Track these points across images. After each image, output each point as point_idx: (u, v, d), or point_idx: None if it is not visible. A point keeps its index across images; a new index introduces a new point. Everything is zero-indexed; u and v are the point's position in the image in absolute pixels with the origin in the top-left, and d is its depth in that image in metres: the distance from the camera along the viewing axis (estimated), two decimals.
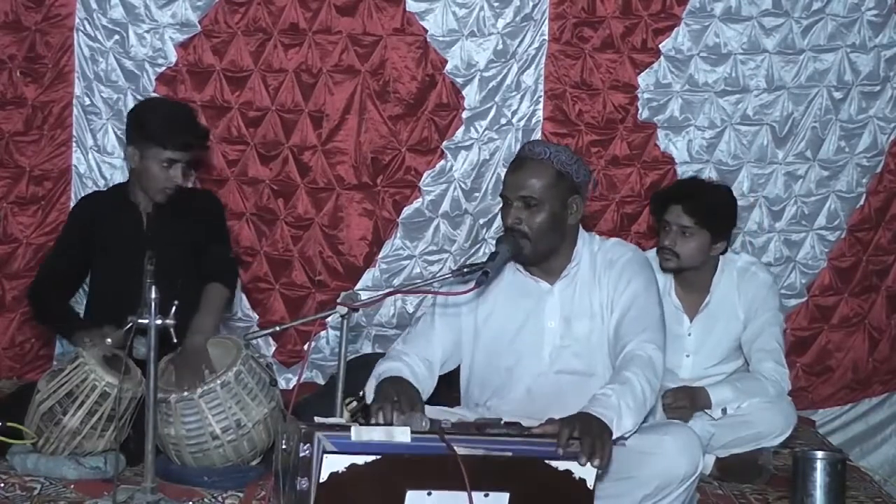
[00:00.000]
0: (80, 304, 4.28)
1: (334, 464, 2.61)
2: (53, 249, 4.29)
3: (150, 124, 3.98)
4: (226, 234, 4.30)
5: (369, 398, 3.17)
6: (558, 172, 3.27)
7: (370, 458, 2.62)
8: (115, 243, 4.06)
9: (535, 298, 3.37)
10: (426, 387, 3.32)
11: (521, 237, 3.26)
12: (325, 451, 2.61)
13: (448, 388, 3.51)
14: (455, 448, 2.66)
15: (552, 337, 3.34)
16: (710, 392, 3.99)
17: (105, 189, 4.50)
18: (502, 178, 3.45)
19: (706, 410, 3.98)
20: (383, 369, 3.26)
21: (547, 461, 2.72)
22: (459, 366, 3.46)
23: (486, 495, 2.68)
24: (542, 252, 3.30)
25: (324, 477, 2.60)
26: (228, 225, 4.39)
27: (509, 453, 2.74)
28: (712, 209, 4.09)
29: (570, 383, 3.32)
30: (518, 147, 4.64)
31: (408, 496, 2.66)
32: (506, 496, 2.69)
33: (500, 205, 3.35)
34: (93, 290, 4.21)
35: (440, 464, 2.65)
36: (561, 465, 2.72)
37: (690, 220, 4.04)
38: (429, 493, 2.67)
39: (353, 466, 2.61)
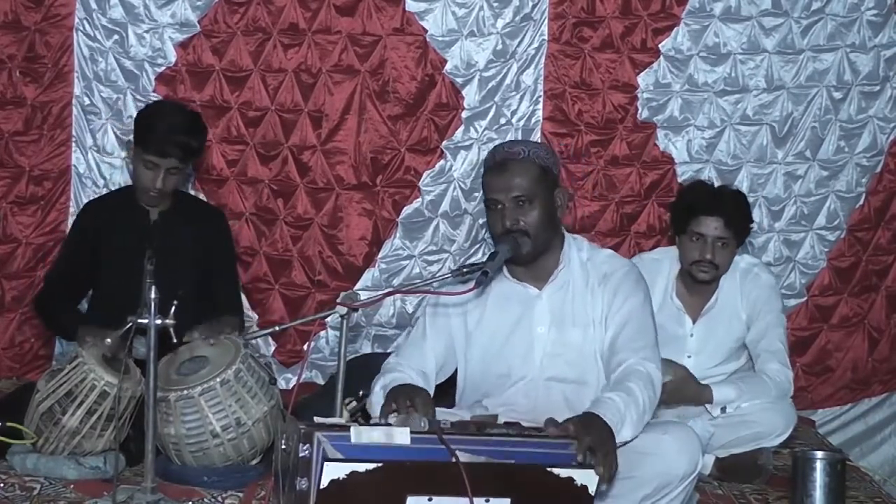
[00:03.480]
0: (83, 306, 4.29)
1: (335, 471, 2.60)
2: (59, 259, 4.30)
3: (139, 123, 4.07)
4: (234, 263, 4.39)
5: (376, 411, 3.16)
6: (541, 167, 3.29)
7: (371, 466, 2.62)
8: (119, 248, 4.07)
9: (523, 304, 3.36)
10: None
11: (522, 235, 3.25)
12: (325, 459, 2.60)
13: (450, 391, 3.52)
14: (457, 454, 2.66)
15: (543, 343, 3.34)
16: (714, 390, 3.99)
17: (109, 193, 4.49)
18: None
19: (706, 406, 3.99)
20: (389, 380, 3.24)
21: (549, 468, 2.72)
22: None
23: (487, 501, 2.67)
24: (540, 249, 3.30)
25: (324, 483, 2.60)
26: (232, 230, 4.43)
27: (512, 460, 2.73)
28: (748, 219, 4.15)
29: (561, 391, 3.33)
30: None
31: (408, 502, 2.66)
32: (507, 502, 2.69)
33: None
34: (97, 295, 4.21)
35: (441, 470, 2.64)
36: (563, 472, 2.72)
37: (729, 231, 4.05)
38: (429, 499, 2.66)
39: (353, 474, 2.60)
